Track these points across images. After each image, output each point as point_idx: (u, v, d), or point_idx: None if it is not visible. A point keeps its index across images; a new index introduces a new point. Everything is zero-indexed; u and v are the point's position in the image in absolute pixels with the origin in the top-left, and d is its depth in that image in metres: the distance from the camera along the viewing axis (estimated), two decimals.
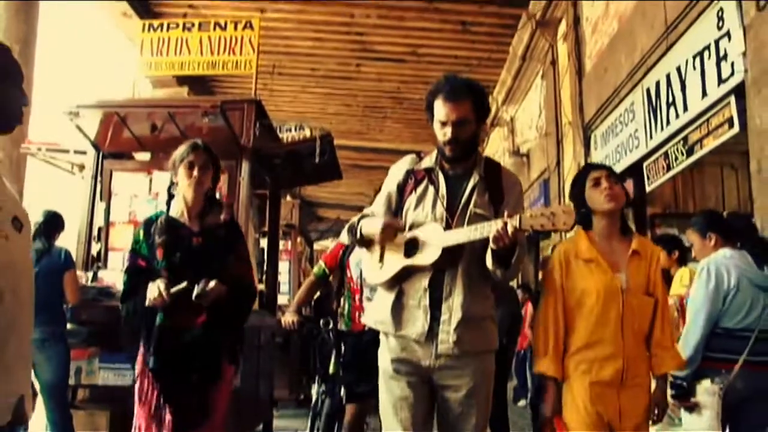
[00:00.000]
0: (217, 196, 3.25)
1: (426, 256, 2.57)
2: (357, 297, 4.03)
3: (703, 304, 3.44)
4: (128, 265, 3.08)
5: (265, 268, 6.88)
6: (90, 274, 5.29)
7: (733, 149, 3.69)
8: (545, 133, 8.53)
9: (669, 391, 2.95)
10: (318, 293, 5.02)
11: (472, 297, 2.59)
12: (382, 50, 10.02)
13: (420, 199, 2.68)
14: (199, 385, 2.92)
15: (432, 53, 9.95)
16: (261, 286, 6.33)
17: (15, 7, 6.77)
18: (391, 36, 9.62)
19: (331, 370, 4.14)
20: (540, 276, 2.76)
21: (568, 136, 7.60)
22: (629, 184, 5.82)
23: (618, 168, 5.95)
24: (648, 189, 5.60)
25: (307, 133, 9.76)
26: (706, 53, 4.29)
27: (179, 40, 6.75)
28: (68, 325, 4.63)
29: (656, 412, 2.73)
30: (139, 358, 2.99)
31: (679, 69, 4.71)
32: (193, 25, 6.86)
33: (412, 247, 2.62)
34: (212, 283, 2.84)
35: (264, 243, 7.55)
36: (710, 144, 4.36)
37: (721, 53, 4.09)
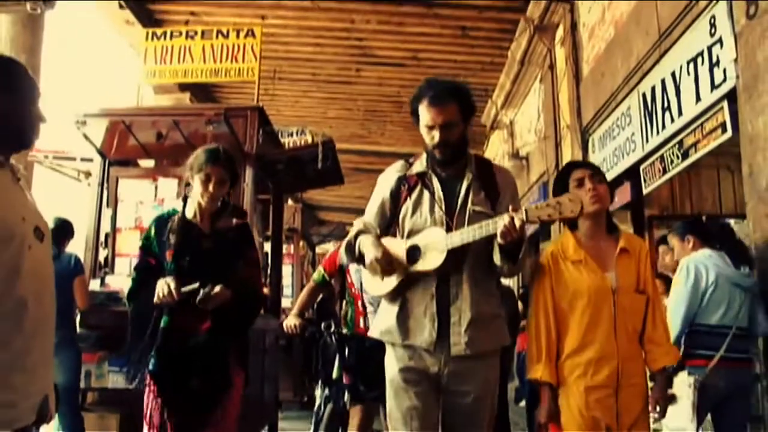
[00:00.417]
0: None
1: (430, 262, 2.55)
2: (359, 303, 4.01)
3: (682, 301, 3.62)
4: (137, 262, 3.07)
5: (269, 271, 6.97)
6: (98, 280, 5.40)
7: (730, 151, 3.78)
8: (544, 136, 8.61)
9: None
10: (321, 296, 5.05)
11: (479, 296, 2.58)
12: (382, 55, 10.10)
13: (416, 205, 2.66)
14: (202, 390, 2.90)
15: (432, 58, 10.04)
16: (266, 290, 6.42)
17: (21, 17, 6.88)
18: (391, 41, 9.70)
19: (334, 374, 4.12)
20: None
21: (566, 139, 7.69)
22: (626, 187, 5.91)
23: (615, 171, 6.06)
24: (645, 192, 5.68)
25: (309, 137, 9.89)
26: (699, 59, 4.39)
27: (182, 48, 6.86)
28: (78, 330, 4.73)
29: (658, 408, 2.76)
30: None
31: (673, 74, 4.81)
32: (195, 33, 6.97)
33: (413, 254, 2.60)
34: (217, 288, 2.83)
35: (267, 247, 7.65)
36: (704, 148, 4.46)
37: (714, 59, 4.18)
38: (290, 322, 4.17)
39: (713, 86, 4.21)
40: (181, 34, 6.94)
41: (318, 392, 4.47)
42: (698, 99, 4.43)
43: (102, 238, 5.80)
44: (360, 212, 3.38)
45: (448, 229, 2.56)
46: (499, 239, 2.38)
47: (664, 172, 5.16)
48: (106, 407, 4.83)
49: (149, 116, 5.81)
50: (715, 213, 7.21)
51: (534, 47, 8.70)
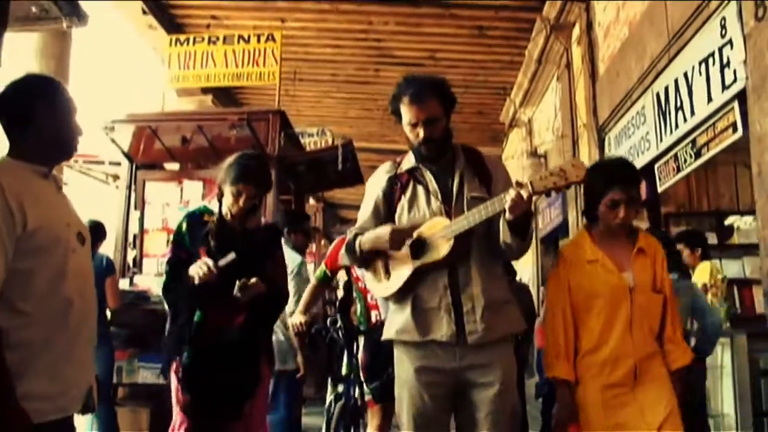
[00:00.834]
0: None
1: (438, 251, 2.51)
2: (368, 296, 3.94)
3: None
4: (170, 257, 3.06)
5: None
6: (126, 280, 5.60)
7: (746, 148, 3.85)
8: (561, 134, 8.68)
9: None
10: (342, 294, 4.96)
11: (490, 282, 2.56)
12: (400, 55, 10.19)
13: (412, 201, 2.64)
14: (235, 384, 2.93)
15: (449, 57, 10.12)
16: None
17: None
18: (409, 42, 9.79)
19: (343, 371, 4.08)
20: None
21: (583, 137, 7.75)
22: (642, 186, 5.98)
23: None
24: (660, 189, 5.76)
25: (329, 138, 10.03)
26: (710, 60, 4.46)
27: (205, 54, 7.06)
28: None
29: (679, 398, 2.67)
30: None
31: (686, 74, 4.88)
32: (217, 38, 7.16)
33: (418, 247, 2.56)
34: (253, 279, 2.87)
35: None
36: (716, 147, 4.53)
37: (725, 60, 4.26)
38: (295, 320, 4.15)
39: (724, 87, 4.28)
40: (203, 39, 7.14)
41: (329, 389, 4.41)
42: (710, 99, 4.50)
43: (130, 239, 6.02)
44: None
45: (448, 218, 2.54)
46: (508, 215, 2.35)
47: (678, 170, 5.24)
48: (137, 402, 5.03)
49: (174, 121, 6.02)
50: (732, 209, 7.25)
51: (551, 46, 8.77)
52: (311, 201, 13.27)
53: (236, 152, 3.17)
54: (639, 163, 5.95)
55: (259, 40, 6.99)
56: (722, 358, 4.51)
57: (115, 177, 6.66)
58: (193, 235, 3.02)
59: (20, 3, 3.38)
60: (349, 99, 12.17)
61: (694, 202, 7.15)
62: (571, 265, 2.75)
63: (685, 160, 5.07)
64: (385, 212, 2.71)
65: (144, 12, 8.94)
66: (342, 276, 4.28)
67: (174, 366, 2.98)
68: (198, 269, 2.82)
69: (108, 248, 5.75)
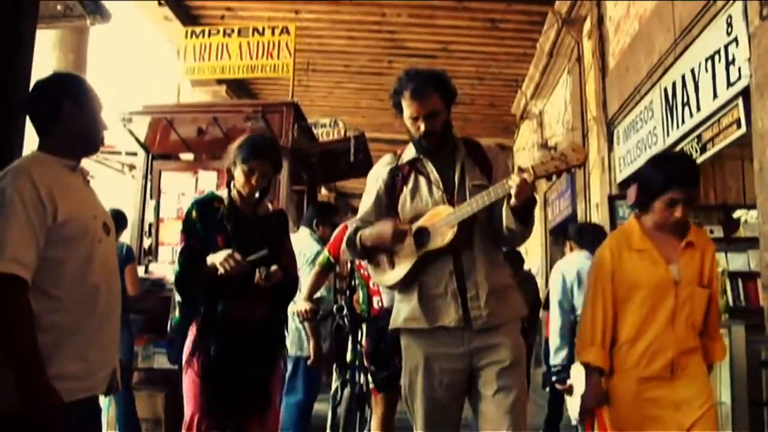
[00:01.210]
0: None
1: (442, 238, 2.53)
2: (371, 282, 3.92)
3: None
4: (183, 246, 2.97)
5: None
6: (142, 267, 5.75)
7: (752, 143, 3.94)
8: (572, 127, 8.76)
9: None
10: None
11: (493, 268, 2.59)
12: (413, 47, 10.26)
13: (414, 191, 2.65)
14: (260, 375, 2.91)
15: (462, 49, 10.18)
16: None
17: None
18: (422, 34, 9.86)
19: (348, 357, 4.05)
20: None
21: (592, 131, 7.83)
22: None
23: (637, 163, 6.21)
24: None
25: (341, 128, 10.14)
26: (716, 57, 4.54)
27: (220, 46, 7.19)
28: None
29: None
30: (189, 345, 2.93)
31: (693, 71, 4.96)
32: (232, 31, 7.28)
33: (421, 236, 2.58)
34: (274, 267, 2.85)
35: None
36: (721, 143, 4.61)
37: (730, 58, 4.33)
38: (300, 306, 4.09)
39: (729, 83, 4.36)
40: (218, 32, 7.26)
41: (334, 376, 4.37)
42: (715, 95, 4.58)
43: (146, 227, 6.17)
44: None
45: (451, 207, 2.56)
46: (513, 200, 2.38)
47: None
48: (152, 387, 5.19)
49: (190, 113, 6.15)
50: (739, 203, 7.30)
51: (562, 40, 8.83)
52: (323, 191, 13.40)
53: None
54: (646, 157, 6.01)
55: (273, 33, 7.11)
56: None
57: (131, 167, 6.81)
58: (205, 222, 2.94)
59: (45, 2, 3.50)
60: (362, 90, 12.25)
61: (702, 196, 7.20)
62: (618, 252, 2.71)
63: (691, 155, 5.14)
64: (387, 204, 2.73)
65: (160, 3, 9.05)
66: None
67: (187, 357, 2.92)
68: (225, 262, 2.74)
69: (124, 237, 5.90)
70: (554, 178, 2.42)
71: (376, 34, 10.00)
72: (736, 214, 7.30)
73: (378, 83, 11.84)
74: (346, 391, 4.03)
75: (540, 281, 9.41)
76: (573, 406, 3.87)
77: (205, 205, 3.01)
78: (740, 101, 4.24)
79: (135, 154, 6.34)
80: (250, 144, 2.99)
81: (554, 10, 8.59)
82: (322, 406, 6.75)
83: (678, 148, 5.38)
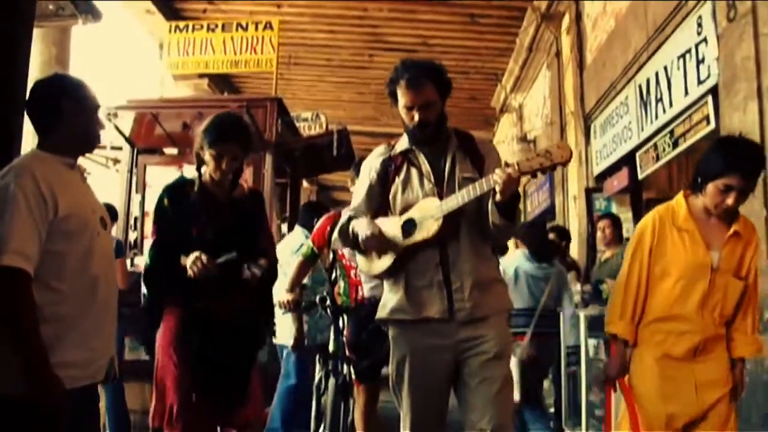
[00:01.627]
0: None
1: (428, 230, 2.55)
2: (352, 272, 3.93)
3: None
4: (155, 240, 2.88)
5: None
6: (128, 260, 5.81)
7: None
8: (550, 121, 8.93)
9: None
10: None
11: (478, 260, 2.60)
12: (394, 41, 10.36)
13: (405, 182, 2.67)
14: (241, 367, 2.87)
15: (443, 44, 10.30)
16: None
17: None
18: (403, 28, 9.97)
19: (330, 348, 4.02)
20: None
21: (570, 124, 7.99)
22: (624, 172, 6.24)
23: (614, 157, 6.39)
24: (641, 176, 6.02)
25: (323, 122, 10.22)
26: (687, 55, 4.71)
27: (204, 41, 7.25)
28: None
29: (740, 390, 2.68)
30: (161, 339, 2.87)
31: (666, 68, 5.13)
32: (216, 26, 7.34)
33: (409, 227, 2.60)
34: (263, 261, 2.80)
35: (285, 228, 8.06)
36: (692, 138, 4.79)
37: (700, 57, 4.50)
38: (283, 297, 4.04)
39: (699, 81, 4.53)
40: (202, 27, 7.32)
41: (317, 367, 4.29)
42: (686, 92, 4.75)
43: (131, 221, 6.23)
44: None
45: (440, 199, 2.57)
46: (498, 195, 2.39)
47: (658, 159, 5.49)
48: (140, 377, 5.26)
49: (175, 108, 6.20)
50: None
51: (541, 35, 8.99)
52: (305, 184, 13.47)
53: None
54: (621, 151, 6.22)
55: (257, 28, 7.18)
56: None
57: (116, 161, 6.85)
58: (177, 209, 2.82)
59: (37, 2, 3.57)
60: (344, 83, 12.34)
61: (675, 189, 7.37)
62: (661, 226, 2.65)
63: (664, 149, 5.32)
64: (379, 194, 2.74)
65: None
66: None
67: (165, 348, 2.84)
68: (193, 265, 2.66)
69: (111, 230, 5.95)
70: (539, 174, 2.45)
71: (358, 29, 10.09)
72: None
73: (359, 77, 11.93)
74: (331, 381, 3.96)
75: None
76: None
77: (177, 189, 2.90)
78: (710, 98, 4.41)
79: (120, 148, 6.37)
80: (215, 126, 2.86)
81: (533, 6, 8.74)
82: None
83: (652, 143, 5.56)
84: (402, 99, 2.60)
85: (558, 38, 8.55)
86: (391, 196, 2.70)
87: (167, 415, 2.77)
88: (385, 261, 2.67)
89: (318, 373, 4.12)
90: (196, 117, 6.00)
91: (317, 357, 4.24)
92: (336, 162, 7.55)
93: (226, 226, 2.83)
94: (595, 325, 5.15)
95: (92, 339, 2.24)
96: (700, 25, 4.49)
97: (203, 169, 2.88)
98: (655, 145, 5.48)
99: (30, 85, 2.45)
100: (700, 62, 4.51)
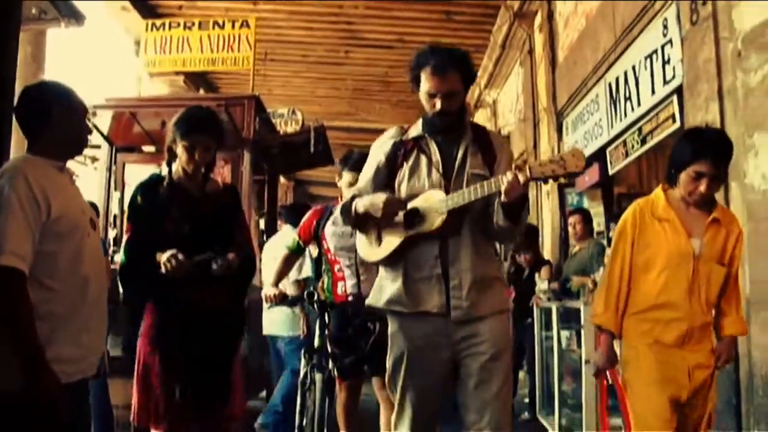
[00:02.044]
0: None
1: (430, 223, 2.51)
2: (336, 267, 3.90)
3: None
4: (129, 237, 2.86)
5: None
6: (108, 258, 5.86)
7: None
8: (523, 117, 9.09)
9: None
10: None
11: (479, 258, 2.55)
12: (370, 38, 10.45)
13: (413, 170, 2.61)
14: (222, 362, 2.85)
15: (418, 40, 10.29)
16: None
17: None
18: (379, 25, 10.04)
19: (316, 343, 3.98)
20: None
21: (543, 121, 8.16)
22: (595, 168, 6.41)
23: (585, 153, 6.54)
24: (611, 172, 6.19)
25: (299, 117, 10.28)
26: (654, 56, 4.87)
27: (180, 39, 7.31)
28: None
29: (721, 360, 2.75)
30: (142, 336, 2.87)
31: (634, 68, 5.29)
32: (193, 24, 7.40)
33: (412, 217, 2.56)
34: (231, 255, 2.76)
35: (262, 224, 8.14)
36: (659, 135, 4.95)
37: (666, 57, 4.66)
38: (269, 291, 4.05)
39: (665, 81, 4.70)
40: (179, 25, 7.37)
41: (302, 362, 4.17)
42: (653, 92, 4.92)
43: (111, 219, 6.28)
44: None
45: (446, 192, 2.53)
46: (503, 197, 2.35)
47: (627, 155, 5.66)
48: (122, 373, 5.31)
49: (153, 107, 6.26)
50: None
51: (514, 32, 9.13)
52: (282, 179, 13.53)
53: None
54: (592, 147, 6.38)
55: (233, 26, 7.25)
56: None
57: (93, 159, 6.88)
58: (150, 206, 2.82)
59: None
60: (319, 79, 12.38)
61: (645, 184, 7.56)
62: (641, 219, 2.71)
63: (633, 146, 5.49)
64: (386, 177, 2.68)
65: None
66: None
67: (145, 346, 2.84)
68: (167, 262, 2.65)
69: None
70: (550, 181, 2.44)
71: (334, 25, 10.14)
72: None
73: (335, 73, 12.00)
74: (318, 376, 3.89)
75: None
76: None
77: (150, 187, 2.89)
78: (675, 98, 4.57)
79: (98, 146, 6.41)
80: (187, 118, 2.86)
81: (507, 5, 8.88)
82: None
83: (621, 140, 5.73)
84: (425, 85, 2.54)
85: (531, 36, 8.70)
86: (397, 182, 2.65)
87: (153, 412, 2.78)
88: (385, 249, 2.64)
89: (303, 368, 4.07)
90: (173, 116, 6.07)
91: (302, 352, 4.18)
92: (313, 159, 7.66)
93: (201, 220, 2.82)
94: (568, 318, 5.34)
95: (83, 335, 2.34)
96: (665, 27, 4.65)
97: (174, 164, 2.89)
98: (625, 142, 5.65)
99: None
100: (665, 63, 4.67)
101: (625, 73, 5.48)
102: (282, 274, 4.22)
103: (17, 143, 2.66)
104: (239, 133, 6.04)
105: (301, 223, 4.15)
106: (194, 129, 2.82)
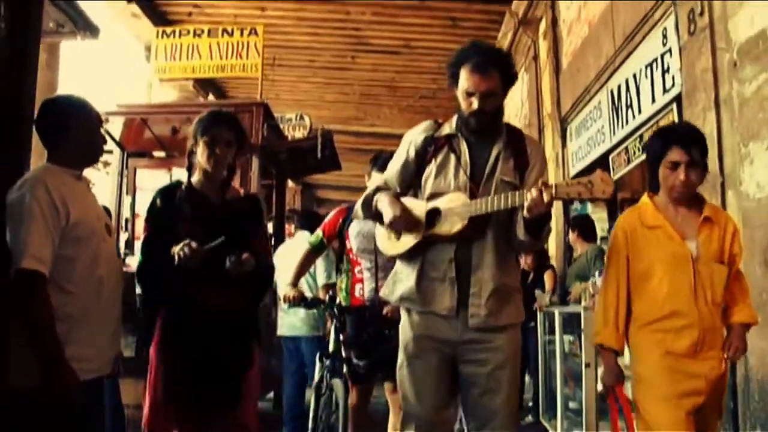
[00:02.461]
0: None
1: (450, 226, 2.48)
2: (356, 269, 3.90)
3: None
4: (145, 237, 2.88)
5: (272, 251, 7.58)
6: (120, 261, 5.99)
7: None
8: (528, 123, 9.18)
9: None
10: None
11: (501, 268, 2.51)
12: (376, 44, 10.56)
13: (441, 168, 2.57)
14: (229, 368, 2.76)
15: (424, 46, 10.50)
16: None
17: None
18: (385, 31, 10.15)
19: (331, 347, 3.95)
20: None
21: (548, 127, 8.24)
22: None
23: (588, 159, 6.65)
24: (614, 178, 6.27)
25: (307, 122, 10.41)
26: (654, 65, 4.95)
27: (190, 46, 7.44)
28: None
29: (731, 349, 2.62)
30: (154, 343, 2.84)
31: (635, 76, 5.38)
32: (203, 31, 7.53)
33: (433, 217, 2.52)
34: (245, 255, 2.70)
35: (271, 228, 8.26)
36: None
37: (665, 66, 4.74)
38: (288, 292, 3.95)
39: (665, 90, 4.78)
40: (189, 32, 7.50)
41: (317, 366, 4.09)
42: (653, 100, 5.00)
43: (123, 222, 6.41)
44: (357, 190, 3.37)
45: (472, 195, 2.48)
46: (525, 213, 2.30)
47: (629, 161, 5.75)
48: (133, 373, 5.43)
49: (164, 113, 6.39)
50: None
51: (519, 39, 9.22)
52: (290, 183, 13.66)
53: None
54: (595, 153, 6.47)
55: (242, 34, 7.37)
56: None
57: (105, 164, 7.01)
58: (167, 209, 2.81)
59: None
60: (327, 84, 12.50)
61: (647, 190, 7.67)
62: (632, 231, 2.64)
63: (635, 153, 5.58)
64: (413, 171, 2.65)
65: (128, 0, 9.20)
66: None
67: (154, 347, 2.83)
68: (180, 250, 2.60)
69: None
70: (575, 202, 2.43)
71: (341, 31, 10.26)
72: None
73: (343, 78, 12.12)
74: (337, 382, 3.77)
75: None
76: None
77: (169, 191, 2.89)
78: (674, 106, 4.65)
79: (110, 151, 6.53)
80: (207, 116, 2.87)
81: (511, 11, 8.99)
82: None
83: (623, 146, 5.81)
84: (464, 83, 2.48)
85: (535, 42, 8.79)
86: (423, 178, 2.62)
87: (162, 418, 2.75)
88: (404, 245, 2.61)
89: (318, 373, 3.98)
90: (184, 121, 6.21)
91: (317, 356, 4.09)
92: (320, 164, 7.78)
93: (215, 226, 2.75)
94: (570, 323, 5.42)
95: (99, 336, 2.46)
96: (665, 36, 4.73)
97: (194, 170, 2.88)
98: (627, 149, 5.73)
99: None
100: (665, 72, 4.75)
101: (627, 81, 5.56)
102: (301, 271, 4.17)
103: (37, 153, 2.77)
104: (247, 139, 6.14)
105: (327, 219, 4.13)
106: (214, 123, 2.82)
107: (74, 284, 2.39)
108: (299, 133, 9.97)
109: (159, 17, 9.68)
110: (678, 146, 2.57)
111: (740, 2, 3.72)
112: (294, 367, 5.44)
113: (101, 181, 7.17)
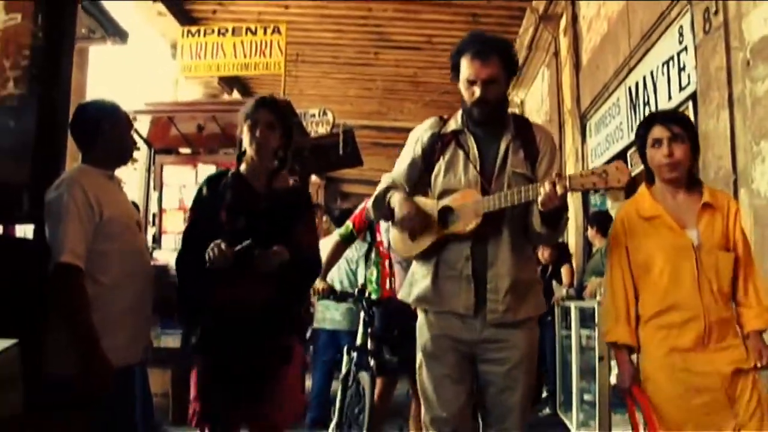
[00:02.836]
0: None
1: (465, 224, 2.44)
2: (386, 262, 3.86)
3: None
4: (187, 225, 2.83)
5: None
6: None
7: None
8: (549, 119, 9.22)
9: None
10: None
11: (518, 261, 2.48)
12: (398, 40, 10.64)
13: (450, 164, 2.54)
14: (260, 363, 2.65)
15: (446, 42, 10.50)
16: None
17: None
18: (407, 27, 10.23)
19: (359, 340, 3.94)
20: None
21: (568, 123, 8.29)
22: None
23: (607, 155, 6.69)
24: (633, 173, 6.30)
25: (330, 118, 10.54)
26: (671, 63, 5.00)
27: (215, 45, 7.62)
28: None
29: (757, 358, 2.44)
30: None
31: (652, 73, 5.42)
32: (227, 30, 7.70)
33: (446, 215, 2.49)
34: (276, 248, 2.59)
35: None
36: None
37: (681, 65, 4.79)
38: (318, 285, 3.91)
39: (681, 88, 4.83)
40: (213, 31, 7.69)
41: (345, 359, 4.08)
42: (670, 97, 5.05)
43: (150, 217, 6.61)
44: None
45: (484, 191, 2.45)
46: (540, 206, 2.28)
47: None
48: (160, 364, 5.64)
49: (190, 111, 6.57)
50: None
51: (540, 35, 9.26)
52: (313, 178, 13.83)
53: None
54: (614, 150, 6.52)
55: (265, 33, 7.54)
56: None
57: (133, 160, 7.20)
58: (212, 196, 2.76)
59: None
60: (349, 79, 12.62)
61: None
62: (629, 224, 2.58)
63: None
64: (421, 170, 2.62)
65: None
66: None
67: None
68: (210, 251, 2.54)
69: None
70: (591, 192, 2.42)
71: (363, 28, 10.36)
72: None
73: (365, 73, 12.24)
74: (364, 376, 3.79)
75: None
76: None
77: (216, 178, 2.86)
78: (690, 104, 4.70)
79: (138, 149, 6.69)
80: (250, 102, 2.84)
81: (532, 7, 9.03)
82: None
83: None
84: (465, 71, 2.46)
85: (556, 38, 8.83)
86: (432, 176, 2.59)
87: (199, 412, 2.69)
88: (419, 245, 2.58)
89: (345, 366, 3.95)
90: (209, 119, 6.39)
91: (345, 349, 4.07)
92: (343, 160, 7.92)
93: (258, 215, 2.69)
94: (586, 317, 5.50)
95: (131, 326, 2.62)
96: (681, 34, 4.78)
97: (243, 160, 2.83)
98: None
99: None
100: (681, 70, 4.80)
101: (644, 78, 5.61)
102: (331, 262, 4.11)
103: (71, 155, 2.94)
104: (293, 124, 6.29)
105: (356, 212, 4.11)
106: (258, 106, 2.77)
107: (107, 277, 2.55)
108: (322, 129, 10.10)
109: (184, 15, 9.84)
110: (658, 123, 2.55)
111: (754, 2, 3.77)
112: (328, 357, 5.54)
113: (129, 177, 7.37)
